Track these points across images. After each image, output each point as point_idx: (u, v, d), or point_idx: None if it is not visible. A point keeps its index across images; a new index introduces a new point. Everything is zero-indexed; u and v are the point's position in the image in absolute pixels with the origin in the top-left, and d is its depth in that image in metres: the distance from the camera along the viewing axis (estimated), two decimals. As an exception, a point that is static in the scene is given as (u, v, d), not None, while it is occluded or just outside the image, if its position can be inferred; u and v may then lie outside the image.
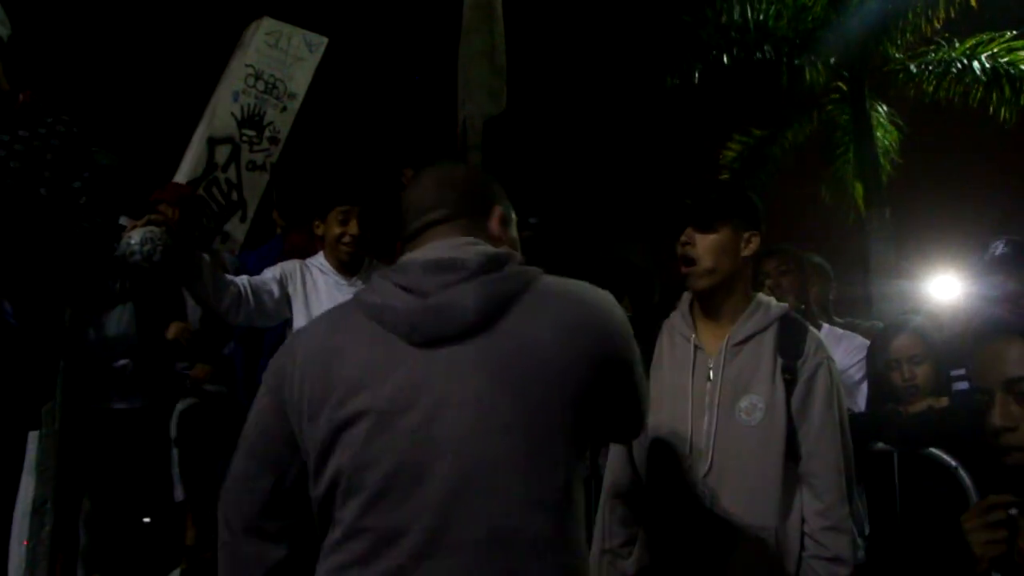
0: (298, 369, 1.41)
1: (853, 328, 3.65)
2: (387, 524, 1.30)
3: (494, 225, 1.53)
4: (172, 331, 3.58)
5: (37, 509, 2.66)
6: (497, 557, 1.27)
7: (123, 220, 3.32)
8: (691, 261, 2.11)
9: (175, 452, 3.66)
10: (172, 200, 3.79)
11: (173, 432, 3.68)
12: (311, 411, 1.38)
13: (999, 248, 3.08)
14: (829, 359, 2.13)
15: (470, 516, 1.28)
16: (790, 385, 2.07)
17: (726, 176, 10.96)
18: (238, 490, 1.47)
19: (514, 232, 1.60)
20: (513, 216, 1.61)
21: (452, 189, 1.53)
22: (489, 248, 1.43)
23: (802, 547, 2.04)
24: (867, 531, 2.98)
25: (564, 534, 1.32)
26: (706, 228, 2.11)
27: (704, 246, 2.10)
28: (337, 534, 1.35)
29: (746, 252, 2.15)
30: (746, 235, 2.15)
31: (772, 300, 2.20)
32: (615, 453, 2.26)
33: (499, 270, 1.38)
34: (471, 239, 1.46)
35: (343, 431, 1.35)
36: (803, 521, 2.06)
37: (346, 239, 3.09)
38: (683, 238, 2.12)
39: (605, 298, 1.45)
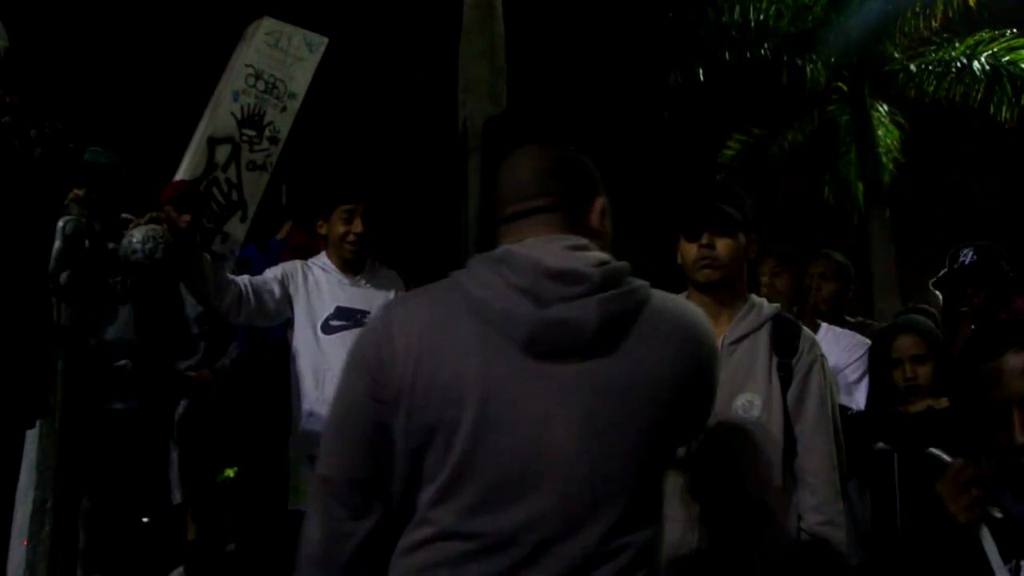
0: (399, 357, 1.33)
1: (864, 328, 3.64)
2: (487, 531, 1.29)
3: (595, 218, 1.46)
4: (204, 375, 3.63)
5: (37, 509, 2.66)
6: (591, 574, 1.29)
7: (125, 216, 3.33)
8: (711, 263, 2.13)
9: (175, 454, 3.66)
10: (179, 198, 3.79)
11: (174, 434, 3.68)
12: (410, 405, 1.32)
13: (968, 256, 3.08)
14: (822, 356, 2.17)
15: (570, 535, 1.29)
16: (785, 382, 2.10)
17: (723, 175, 10.96)
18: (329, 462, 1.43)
19: (609, 224, 1.52)
20: (608, 207, 1.53)
21: (555, 175, 1.45)
22: (603, 256, 1.38)
23: (799, 542, 2.06)
24: (868, 530, 2.99)
25: (652, 551, 1.35)
26: (726, 232, 2.12)
27: (723, 249, 2.13)
28: (427, 532, 1.32)
29: (750, 255, 2.21)
30: (751, 237, 2.19)
31: (764, 301, 2.23)
32: None
33: (618, 286, 1.35)
34: (579, 241, 1.39)
35: (446, 434, 1.31)
36: (799, 518, 2.07)
37: (350, 238, 3.09)
38: (704, 239, 2.13)
39: (703, 317, 1.46)
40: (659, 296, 1.41)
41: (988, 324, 1.58)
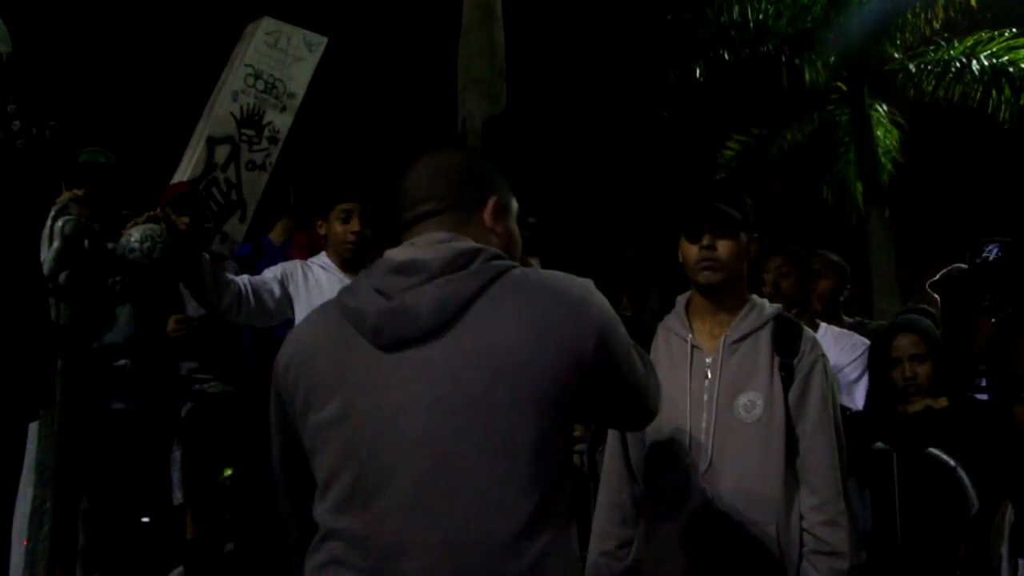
0: (288, 367, 1.45)
1: (861, 327, 3.64)
2: (356, 526, 1.32)
3: (487, 217, 1.49)
4: (171, 325, 3.55)
5: (36, 509, 2.66)
6: (458, 561, 1.27)
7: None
8: (712, 264, 2.13)
9: (177, 455, 3.65)
10: (177, 199, 3.79)
11: (178, 434, 3.68)
12: (298, 411, 1.43)
13: (993, 252, 3.07)
14: (823, 357, 2.17)
15: (432, 520, 1.28)
16: (787, 382, 2.10)
17: (723, 175, 10.97)
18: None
19: (511, 222, 1.55)
20: (513, 204, 1.57)
21: (446, 179, 1.49)
22: (461, 245, 1.39)
23: (801, 543, 2.06)
24: (868, 530, 2.99)
25: (532, 537, 1.29)
26: (726, 232, 2.13)
27: (724, 250, 2.13)
28: (318, 534, 1.38)
29: (750, 255, 2.20)
30: (752, 237, 2.19)
31: (765, 301, 2.23)
32: (610, 455, 2.26)
33: (463, 268, 1.35)
34: (449, 235, 1.42)
35: (320, 433, 1.38)
36: (801, 518, 2.07)
37: (349, 237, 3.09)
38: (705, 240, 2.13)
39: (579, 289, 1.40)
40: (524, 273, 1.39)
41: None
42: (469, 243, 1.41)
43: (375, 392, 1.34)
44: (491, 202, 1.50)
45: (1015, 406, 1.52)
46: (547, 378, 1.32)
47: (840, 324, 3.56)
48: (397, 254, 1.41)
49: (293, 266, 3.14)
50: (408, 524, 1.29)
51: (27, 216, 2.49)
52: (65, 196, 3.22)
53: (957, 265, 3.59)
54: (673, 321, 2.25)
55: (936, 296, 3.74)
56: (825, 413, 2.10)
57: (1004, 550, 1.57)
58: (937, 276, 3.69)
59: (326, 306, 1.51)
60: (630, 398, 1.48)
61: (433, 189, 1.48)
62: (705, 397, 2.11)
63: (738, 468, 2.06)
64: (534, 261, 1.62)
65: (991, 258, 3.09)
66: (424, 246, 1.40)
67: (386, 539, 1.29)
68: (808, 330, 2.22)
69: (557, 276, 1.42)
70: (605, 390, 1.42)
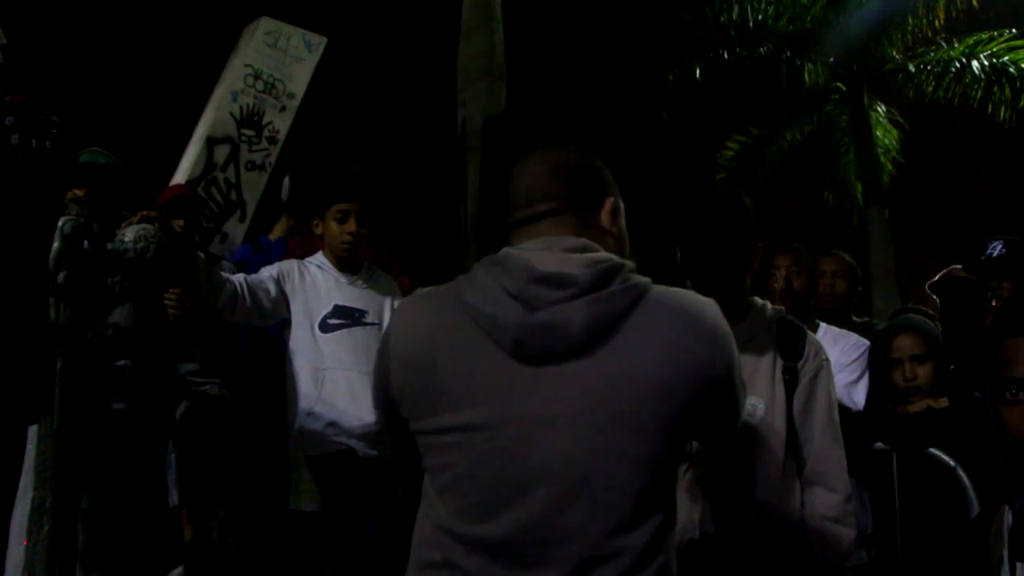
0: (394, 358, 1.42)
1: (870, 328, 3.64)
2: (484, 534, 1.32)
3: (605, 218, 1.49)
4: (169, 303, 3.52)
5: (36, 509, 2.66)
6: (592, 574, 1.29)
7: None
8: None
9: (173, 456, 3.65)
10: (172, 202, 3.79)
11: (174, 435, 3.68)
12: (410, 407, 1.41)
13: (997, 248, 3.07)
14: (827, 361, 2.16)
15: (572, 534, 1.29)
16: (790, 385, 2.08)
17: (723, 175, 10.96)
18: None
19: (623, 223, 1.54)
20: (622, 206, 1.55)
21: (564, 178, 1.47)
22: (600, 256, 1.38)
23: (801, 543, 2.06)
24: (870, 530, 2.99)
25: (657, 550, 1.33)
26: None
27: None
28: (430, 527, 1.39)
29: (753, 266, 2.20)
30: (757, 248, 2.19)
31: (767, 303, 2.22)
32: None
33: (608, 286, 1.34)
34: (581, 242, 1.40)
35: (442, 436, 1.37)
36: (802, 520, 2.07)
37: (345, 237, 3.08)
38: None
39: (710, 309, 1.41)
40: (660, 293, 1.39)
41: (1011, 307, 1.57)
42: (605, 254, 1.40)
43: (512, 404, 1.33)
44: (608, 203, 1.50)
45: (1000, 407, 1.53)
46: (683, 403, 1.34)
47: (849, 325, 3.56)
48: (537, 260, 1.36)
49: (290, 265, 3.14)
50: (547, 537, 1.30)
51: (33, 223, 2.48)
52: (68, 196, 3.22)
53: (955, 266, 3.59)
54: None
55: (935, 298, 3.75)
56: (832, 418, 2.10)
57: (1004, 553, 1.57)
58: (936, 277, 3.70)
59: (440, 298, 1.44)
60: (734, 417, 1.50)
61: (551, 188, 1.46)
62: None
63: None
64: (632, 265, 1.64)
65: (995, 255, 3.10)
66: (561, 253, 1.38)
67: (520, 550, 1.30)
68: (811, 334, 2.21)
69: (690, 299, 1.41)
70: (720, 410, 1.44)
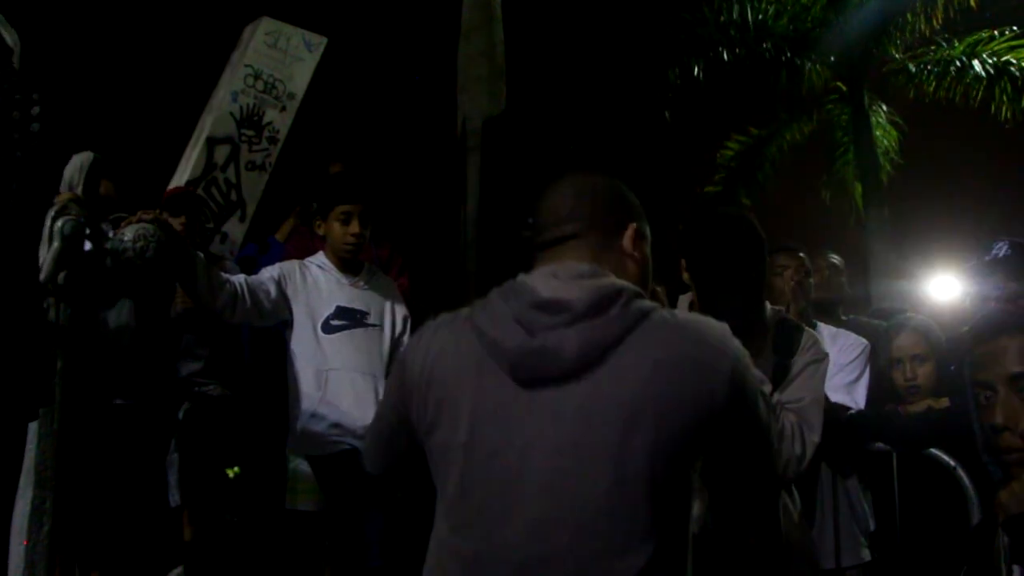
0: (423, 368, 1.48)
1: (858, 325, 3.64)
2: (473, 551, 1.36)
3: (627, 243, 1.52)
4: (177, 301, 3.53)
5: (36, 509, 2.65)
6: None
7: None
8: None
9: (175, 456, 3.65)
10: (171, 200, 3.79)
11: (175, 435, 3.68)
12: (423, 426, 1.47)
13: (1003, 249, 3.07)
14: (824, 355, 2.16)
15: (554, 556, 1.30)
16: (779, 380, 2.10)
17: (723, 175, 10.97)
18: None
19: (647, 249, 1.57)
20: (648, 231, 1.58)
21: (590, 201, 1.52)
22: (604, 282, 1.40)
23: (800, 541, 2.06)
24: (871, 529, 2.99)
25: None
26: None
27: None
28: (435, 542, 1.45)
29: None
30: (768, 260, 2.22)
31: (767, 304, 2.23)
32: None
33: (606, 312, 1.36)
34: (591, 267, 1.43)
35: (447, 453, 1.42)
36: (796, 521, 2.08)
37: (348, 239, 3.08)
38: None
39: (716, 340, 1.40)
40: (662, 317, 1.39)
41: (989, 311, 1.60)
42: (611, 280, 1.41)
43: (507, 426, 1.37)
44: (631, 228, 1.53)
45: (977, 409, 1.55)
46: (680, 430, 1.33)
47: (838, 322, 3.56)
48: (541, 286, 1.41)
49: (291, 266, 3.14)
50: (529, 557, 1.31)
51: (24, 214, 2.48)
52: (65, 196, 3.21)
53: None
54: None
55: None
56: (816, 397, 2.06)
57: (1003, 545, 1.58)
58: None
59: (456, 322, 1.51)
60: (751, 444, 1.48)
61: (576, 211, 1.51)
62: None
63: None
64: (660, 290, 1.65)
65: (1001, 255, 3.10)
66: (567, 279, 1.41)
67: (508, 568, 1.32)
68: (809, 331, 2.22)
69: (695, 324, 1.42)
70: (729, 436, 1.42)
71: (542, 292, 1.39)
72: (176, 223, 3.53)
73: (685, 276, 2.22)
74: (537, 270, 1.47)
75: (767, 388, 1.54)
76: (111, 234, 2.81)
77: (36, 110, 2.39)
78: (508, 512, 1.34)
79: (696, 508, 2.02)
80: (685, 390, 1.33)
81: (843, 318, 3.79)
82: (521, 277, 1.46)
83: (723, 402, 1.36)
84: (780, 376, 2.10)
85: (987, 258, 3.13)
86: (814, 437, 1.99)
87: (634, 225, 1.53)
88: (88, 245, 3.07)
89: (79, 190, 3.41)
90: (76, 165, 3.52)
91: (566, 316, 1.36)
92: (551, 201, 1.54)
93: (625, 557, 1.30)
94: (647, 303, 1.40)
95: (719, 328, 1.42)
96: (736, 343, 1.41)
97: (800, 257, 3.29)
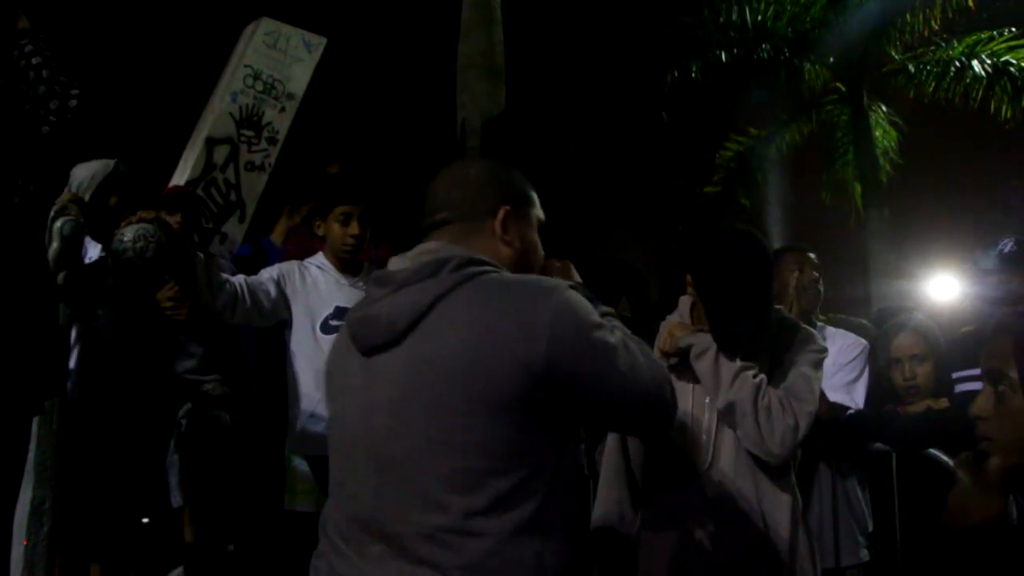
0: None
1: (838, 325, 3.63)
2: (336, 518, 1.46)
3: (497, 227, 1.53)
4: (163, 302, 3.52)
5: (36, 509, 2.66)
6: (404, 550, 1.34)
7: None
8: None
9: (175, 458, 3.65)
10: (167, 198, 3.78)
11: (175, 436, 3.67)
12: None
13: (1008, 246, 3.08)
14: (822, 351, 2.18)
15: (385, 512, 1.37)
16: (781, 376, 2.11)
17: (722, 175, 10.97)
18: None
19: (529, 232, 1.57)
20: (533, 214, 1.59)
21: (460, 189, 1.56)
22: (438, 255, 1.43)
23: (799, 540, 2.07)
24: (870, 529, 2.99)
25: (475, 534, 1.30)
26: None
27: None
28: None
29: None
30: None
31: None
32: (608, 454, 2.27)
33: (430, 277, 1.41)
34: (440, 245, 1.49)
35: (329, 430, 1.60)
36: (797, 522, 2.08)
37: (348, 240, 3.08)
38: None
39: (537, 292, 1.38)
40: (489, 280, 1.41)
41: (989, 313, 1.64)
42: (448, 251, 1.44)
43: (355, 393, 1.47)
44: (501, 212, 1.53)
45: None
46: (495, 383, 1.33)
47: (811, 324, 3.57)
48: (391, 265, 1.51)
49: (290, 266, 3.13)
50: (373, 519, 1.38)
51: (38, 215, 2.48)
52: (65, 197, 3.21)
53: None
54: (677, 322, 2.26)
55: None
56: (811, 384, 2.09)
57: None
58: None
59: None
60: (612, 402, 1.41)
61: (448, 198, 1.55)
62: (707, 398, 2.13)
63: (739, 465, 2.07)
64: (559, 264, 1.63)
65: (1006, 251, 3.11)
66: (411, 257, 1.49)
67: (349, 526, 1.42)
68: (806, 327, 2.25)
69: (524, 279, 1.43)
70: (573, 395, 1.37)
71: (388, 268, 1.51)
72: (172, 220, 3.52)
73: (690, 291, 2.22)
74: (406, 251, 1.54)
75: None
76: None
77: (73, 103, 2.42)
78: (355, 474, 1.43)
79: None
80: (502, 350, 1.33)
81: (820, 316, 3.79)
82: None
83: (542, 361, 1.32)
84: (778, 372, 2.11)
85: (992, 254, 3.14)
86: (807, 407, 2.03)
87: (506, 208, 1.53)
88: (93, 253, 3.08)
89: (87, 196, 3.42)
90: (90, 171, 3.52)
91: (390, 287, 1.45)
92: (430, 190, 1.59)
93: (444, 510, 1.32)
94: (477, 268, 1.41)
95: (543, 287, 1.39)
96: (561, 300, 1.36)
97: (809, 257, 3.30)
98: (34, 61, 2.61)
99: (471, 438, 1.33)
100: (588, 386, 1.37)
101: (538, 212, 1.61)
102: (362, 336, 1.45)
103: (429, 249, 1.48)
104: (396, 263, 1.50)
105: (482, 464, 1.32)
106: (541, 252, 1.60)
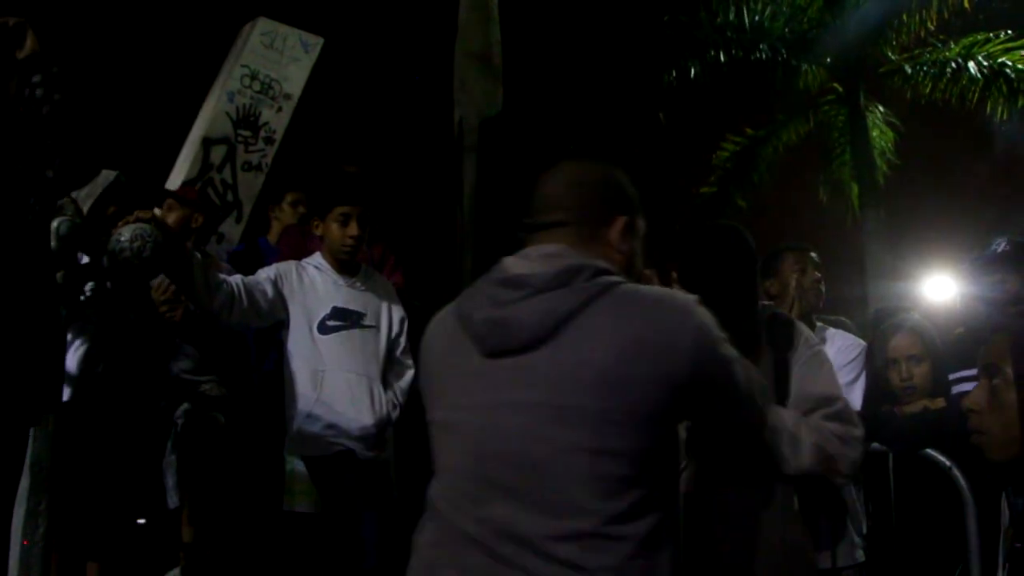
0: (419, 363, 1.65)
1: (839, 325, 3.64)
2: (459, 519, 1.41)
3: (614, 236, 1.53)
4: (158, 299, 3.51)
5: (31, 510, 2.65)
6: (548, 552, 1.32)
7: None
8: None
9: (172, 459, 3.64)
10: (174, 203, 3.78)
11: (172, 438, 3.66)
12: (426, 399, 1.57)
13: (1001, 245, 3.08)
14: (820, 349, 2.17)
15: (526, 513, 1.35)
16: (781, 378, 2.10)
17: (720, 174, 10.98)
18: None
19: (636, 244, 1.58)
20: (641, 224, 1.60)
21: (579, 191, 1.54)
22: (569, 261, 1.43)
23: (796, 539, 2.07)
24: (865, 530, 2.99)
25: (613, 538, 1.33)
26: None
27: None
28: (429, 511, 1.49)
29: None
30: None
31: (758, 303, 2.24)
32: None
33: (565, 285, 1.40)
34: (561, 249, 1.47)
35: (435, 433, 1.51)
36: (794, 521, 2.08)
37: (347, 241, 3.07)
38: None
39: (679, 307, 1.43)
40: (626, 290, 1.42)
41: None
42: (578, 259, 1.44)
43: (474, 394, 1.44)
44: (620, 221, 1.54)
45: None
46: (643, 394, 1.36)
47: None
48: (511, 265, 1.48)
49: (287, 267, 3.13)
50: (501, 515, 1.36)
51: (42, 223, 2.47)
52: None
53: None
54: None
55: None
56: (835, 380, 2.09)
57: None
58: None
59: (449, 308, 1.59)
60: (732, 413, 1.53)
61: (565, 199, 1.54)
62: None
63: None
64: (650, 273, 1.67)
65: (1000, 250, 3.11)
66: (535, 259, 1.46)
67: (487, 534, 1.37)
68: (800, 325, 2.24)
69: (660, 294, 1.46)
70: (705, 406, 1.47)
71: (510, 270, 1.46)
72: (171, 219, 3.51)
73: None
74: (519, 252, 1.51)
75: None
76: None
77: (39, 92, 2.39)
78: (482, 479, 1.39)
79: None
80: (644, 360, 1.36)
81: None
82: (504, 259, 1.51)
83: (686, 374, 1.38)
84: (782, 372, 2.10)
85: (987, 253, 3.15)
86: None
87: (624, 219, 1.55)
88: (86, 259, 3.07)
89: (87, 204, 3.41)
90: (95, 179, 3.51)
91: (527, 290, 1.41)
92: (544, 188, 1.57)
93: (585, 514, 1.33)
94: (611, 278, 1.43)
95: (682, 301, 1.44)
96: (700, 316, 1.43)
97: (811, 257, 3.31)
98: (38, 93, 2.56)
99: (616, 446, 1.35)
100: (719, 397, 1.47)
101: (643, 221, 1.61)
102: (493, 337, 1.42)
103: (553, 253, 1.46)
104: (517, 265, 1.47)
105: (625, 472, 1.35)
106: (641, 261, 1.62)
